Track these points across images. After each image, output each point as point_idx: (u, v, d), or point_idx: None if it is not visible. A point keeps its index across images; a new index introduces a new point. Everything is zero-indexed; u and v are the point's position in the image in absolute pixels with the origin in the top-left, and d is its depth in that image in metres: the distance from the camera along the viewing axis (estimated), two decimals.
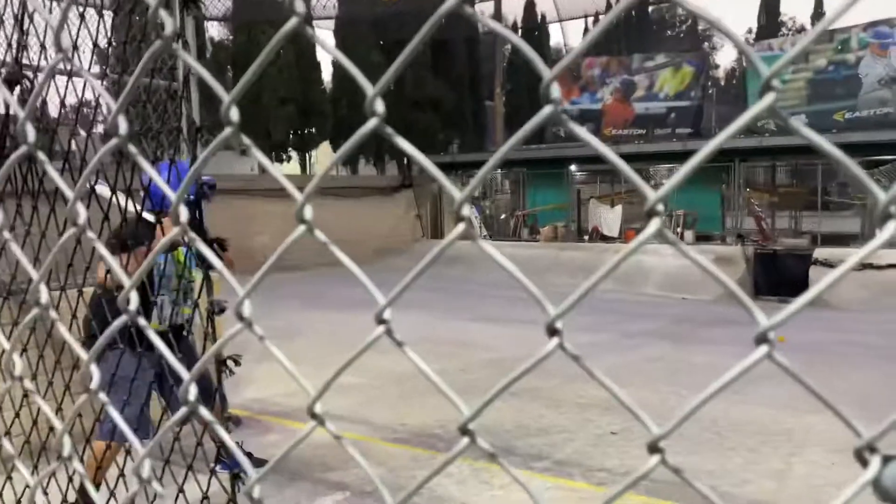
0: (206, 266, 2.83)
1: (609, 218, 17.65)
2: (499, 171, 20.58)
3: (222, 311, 2.74)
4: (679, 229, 17.00)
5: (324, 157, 25.98)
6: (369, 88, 0.59)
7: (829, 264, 12.76)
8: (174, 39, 0.62)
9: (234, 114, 0.64)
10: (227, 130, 0.63)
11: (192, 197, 3.06)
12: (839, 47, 18.21)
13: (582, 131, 0.57)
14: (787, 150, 16.76)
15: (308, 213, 0.62)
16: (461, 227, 0.59)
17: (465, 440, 0.58)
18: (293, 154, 20.65)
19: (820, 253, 13.27)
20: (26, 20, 2.80)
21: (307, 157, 21.68)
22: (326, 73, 20.78)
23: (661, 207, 0.52)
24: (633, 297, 12.41)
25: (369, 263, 14.66)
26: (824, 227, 16.00)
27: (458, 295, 11.31)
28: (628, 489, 0.52)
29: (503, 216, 20.48)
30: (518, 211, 19.60)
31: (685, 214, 17.03)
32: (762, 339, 0.49)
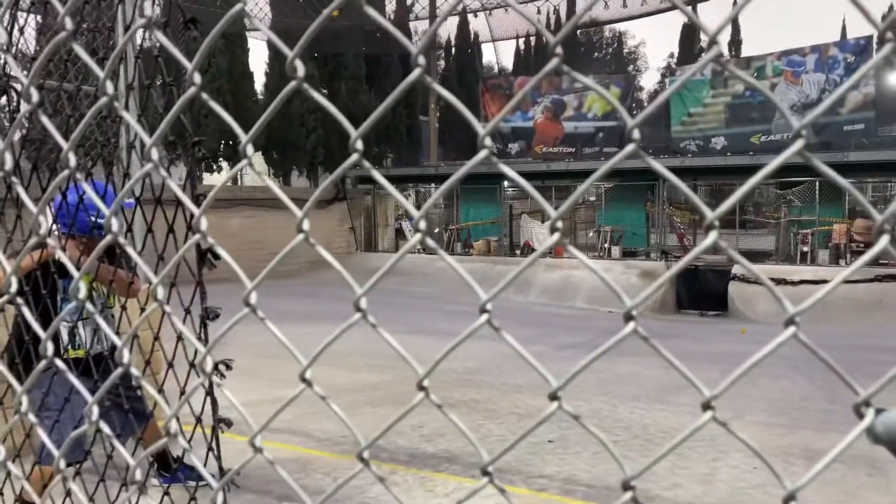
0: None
1: (540, 233, 18.00)
2: (432, 185, 20.69)
3: (216, 316, 2.64)
4: (606, 244, 17.51)
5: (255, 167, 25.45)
6: (352, 131, 0.69)
7: (747, 280, 13.39)
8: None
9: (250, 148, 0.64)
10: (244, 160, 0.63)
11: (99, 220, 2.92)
12: (755, 74, 19.25)
13: (509, 171, 0.73)
14: (708, 170, 17.58)
15: (306, 225, 0.77)
16: (418, 236, 0.71)
17: (554, 405, 0.69)
18: (224, 164, 20.18)
19: (738, 269, 13.92)
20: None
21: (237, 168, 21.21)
22: (259, 84, 20.45)
23: (559, 224, 0.65)
24: (563, 311, 12.68)
25: (303, 276, 14.43)
26: (742, 245, 16.79)
27: (393, 307, 11.28)
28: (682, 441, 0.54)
29: (436, 230, 20.57)
30: (451, 225, 19.73)
31: (612, 231, 17.56)
32: (790, 321, 0.61)
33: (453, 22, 27.80)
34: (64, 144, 0.78)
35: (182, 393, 1.81)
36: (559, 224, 0.65)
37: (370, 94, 20.61)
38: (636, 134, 0.60)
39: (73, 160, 0.79)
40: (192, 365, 2.08)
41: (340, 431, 5.06)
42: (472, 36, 28.56)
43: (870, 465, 4.31)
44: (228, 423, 1.58)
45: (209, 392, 2.93)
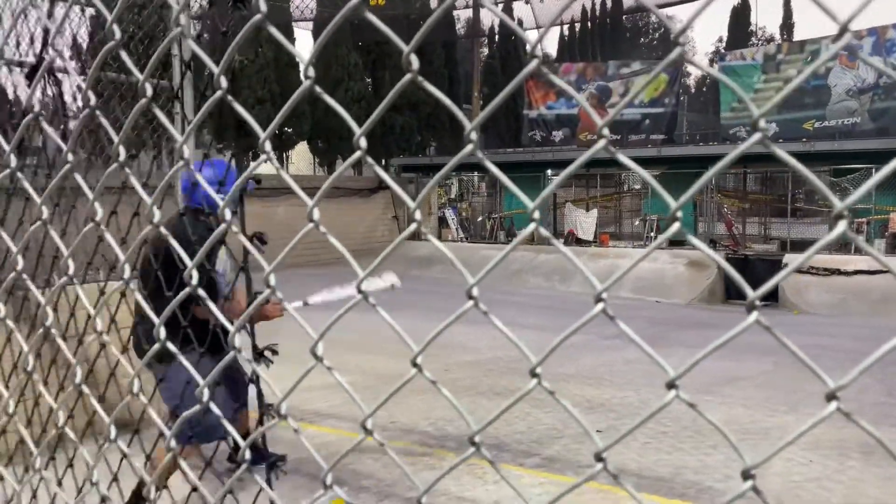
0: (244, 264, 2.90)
1: (584, 222, 17.81)
2: (475, 174, 20.65)
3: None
4: (653, 233, 17.21)
5: (298, 157, 25.82)
6: (356, 128, 0.72)
7: (798, 270, 13.00)
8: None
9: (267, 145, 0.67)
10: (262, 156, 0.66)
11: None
12: (809, 58, 18.60)
13: (492, 167, 0.71)
14: (758, 157, 17.05)
15: (316, 214, 0.78)
16: (413, 226, 0.73)
17: (534, 381, 0.75)
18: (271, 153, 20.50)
19: (789, 258, 13.54)
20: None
21: (283, 158, 21.54)
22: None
23: (536, 215, 0.64)
24: (608, 300, 12.46)
25: (346, 264, 14.57)
26: (793, 233, 16.31)
27: (436, 296, 11.34)
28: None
29: (480, 218, 20.54)
30: (494, 214, 19.68)
31: (658, 219, 17.25)
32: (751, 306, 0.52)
33: (498, 8, 27.53)
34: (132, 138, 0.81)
35: (254, 380, 1.85)
36: (536, 215, 0.68)
37: (414, 84, 20.61)
38: (763, 123, 0.59)
39: (187, 152, 0.87)
40: (260, 352, 2.14)
41: (389, 417, 5.14)
42: (517, 23, 28.27)
43: None
44: (281, 415, 1.60)
45: (254, 381, 3.00)
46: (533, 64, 0.63)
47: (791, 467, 4.32)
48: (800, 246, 15.54)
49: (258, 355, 3.11)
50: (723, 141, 19.49)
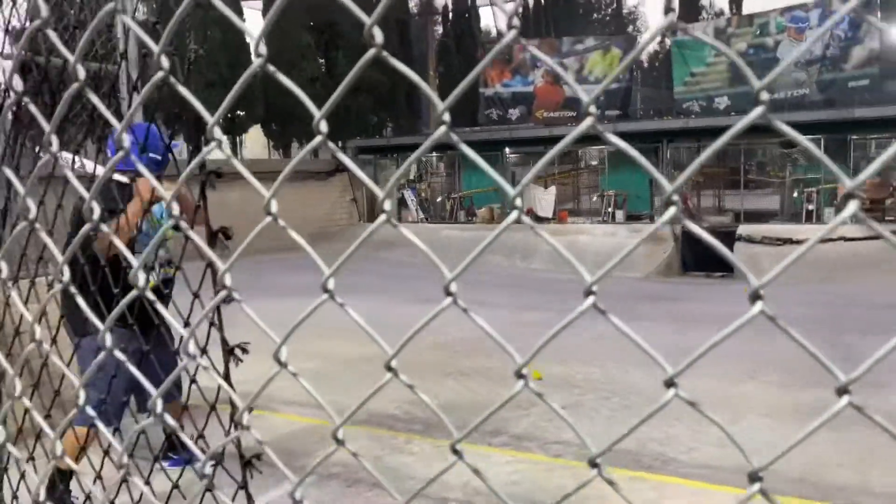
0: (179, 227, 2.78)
1: (544, 199, 17.93)
2: (433, 154, 20.57)
3: (230, 301, 2.68)
4: (610, 209, 17.44)
5: (252, 141, 25.32)
6: (315, 111, 0.69)
7: (752, 240, 13.36)
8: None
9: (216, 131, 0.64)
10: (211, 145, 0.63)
11: (160, 157, 3.31)
12: (758, 31, 18.94)
13: (467, 149, 0.71)
14: (711, 130, 17.38)
15: (274, 206, 0.75)
16: (382, 217, 0.72)
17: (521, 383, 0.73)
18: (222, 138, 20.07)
19: (743, 229, 13.87)
20: None
21: (236, 142, 21.11)
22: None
23: (518, 202, 0.70)
24: (568, 277, 12.68)
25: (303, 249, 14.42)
26: (746, 205, 16.71)
27: (399, 279, 11.31)
28: None
29: (439, 199, 20.51)
30: (454, 193, 19.67)
31: (616, 195, 17.47)
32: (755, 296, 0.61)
33: None
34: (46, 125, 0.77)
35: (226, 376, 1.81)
36: (518, 202, 0.69)
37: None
38: (764, 95, 0.60)
39: (81, 73, 0.78)
40: (230, 350, 2.08)
41: (352, 402, 5.12)
42: (469, 1, 28.10)
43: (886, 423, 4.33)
44: (245, 427, 1.56)
45: (225, 376, 2.93)
46: (511, 35, 0.61)
47: (752, 434, 4.45)
48: (753, 217, 15.92)
49: (228, 352, 3.02)
50: (677, 115, 19.77)
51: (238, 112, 19.27)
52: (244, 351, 3.12)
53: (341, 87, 0.67)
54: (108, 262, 2.10)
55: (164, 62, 0.74)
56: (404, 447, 4.40)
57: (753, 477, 0.58)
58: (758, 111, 0.53)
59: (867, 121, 15.17)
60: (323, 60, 21.04)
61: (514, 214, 0.69)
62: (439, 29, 29.98)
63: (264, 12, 20.30)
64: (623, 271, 12.50)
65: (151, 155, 3.28)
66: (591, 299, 0.62)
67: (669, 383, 0.61)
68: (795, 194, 16.28)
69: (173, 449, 3.76)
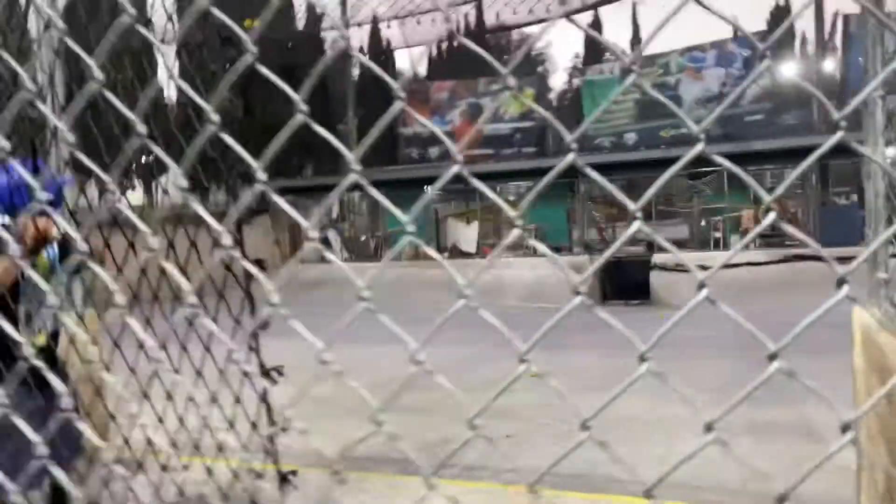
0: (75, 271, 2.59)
1: (466, 235, 18.18)
2: (356, 193, 20.55)
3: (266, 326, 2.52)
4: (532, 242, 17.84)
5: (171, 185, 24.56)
6: (253, 162, 0.77)
7: (666, 268, 13.93)
8: None
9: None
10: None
11: (51, 196, 2.96)
12: (661, 70, 20.09)
13: (480, 185, 0.71)
14: (622, 165, 18.20)
15: (156, 243, 0.72)
16: (307, 246, 0.76)
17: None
18: (136, 183, 19.43)
19: (658, 258, 14.46)
20: None
21: (153, 186, 20.44)
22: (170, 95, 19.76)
23: (520, 221, 0.68)
24: (495, 310, 12.78)
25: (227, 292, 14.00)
26: (659, 234, 17.47)
27: (329, 318, 11.12)
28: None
29: (363, 237, 20.45)
30: (377, 232, 19.66)
31: (536, 228, 17.92)
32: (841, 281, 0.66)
33: (365, 30, 27.74)
34: None
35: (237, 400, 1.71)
36: (411, 228, 0.74)
37: (286, 106, 20.26)
38: (702, 135, 0.61)
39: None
40: (245, 374, 1.99)
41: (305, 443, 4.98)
42: (385, 43, 28.57)
43: (811, 435, 4.59)
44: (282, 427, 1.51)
45: (262, 396, 2.79)
46: (398, 106, 0.63)
47: (690, 450, 4.62)
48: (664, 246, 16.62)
49: (265, 374, 2.93)
50: (591, 151, 20.59)
51: (148, 157, 18.71)
52: (280, 373, 3.03)
53: (276, 144, 0.67)
54: None
55: (97, 73, 0.71)
56: (358, 485, 4.34)
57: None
58: (699, 147, 0.58)
59: (763, 152, 16.26)
60: (241, 100, 20.79)
61: (405, 239, 0.71)
62: (357, 70, 30.28)
63: (179, 54, 19.94)
64: (549, 302, 12.77)
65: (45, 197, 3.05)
66: (578, 298, 0.65)
67: (643, 358, 0.65)
68: (703, 223, 17.17)
69: None
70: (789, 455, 4.29)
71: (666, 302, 12.68)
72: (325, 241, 19.54)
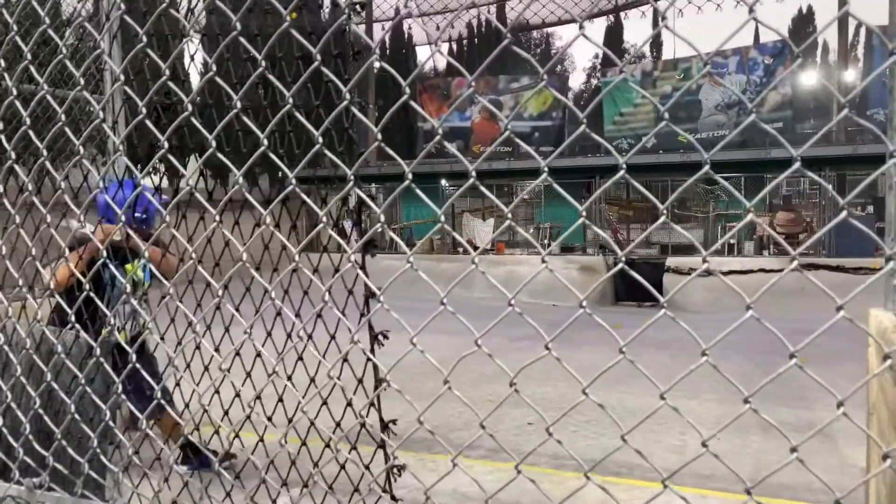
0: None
1: (482, 231, 18.20)
2: (373, 185, 20.64)
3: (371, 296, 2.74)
4: (546, 240, 17.83)
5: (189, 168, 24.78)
6: (287, 170, 0.69)
7: (680, 271, 13.89)
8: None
9: None
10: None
11: (144, 216, 3.56)
12: (681, 75, 19.97)
13: (486, 191, 0.71)
14: (639, 167, 18.12)
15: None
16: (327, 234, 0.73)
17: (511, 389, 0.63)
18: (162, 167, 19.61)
19: (671, 261, 14.42)
20: None
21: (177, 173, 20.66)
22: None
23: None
24: (508, 305, 12.78)
25: (245, 280, 14.15)
26: (673, 238, 17.39)
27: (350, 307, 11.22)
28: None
29: (380, 229, 20.52)
30: (394, 224, 19.73)
31: (551, 227, 17.91)
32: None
33: (387, 25, 27.81)
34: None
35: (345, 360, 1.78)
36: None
37: (308, 96, 20.39)
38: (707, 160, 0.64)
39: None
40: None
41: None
42: (407, 38, 28.60)
43: (820, 433, 4.63)
44: (387, 384, 1.59)
45: (370, 358, 2.91)
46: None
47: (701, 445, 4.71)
48: (679, 249, 16.58)
49: (374, 337, 3.07)
50: (608, 153, 20.51)
51: (172, 143, 18.86)
52: (385, 337, 3.19)
53: (310, 153, 0.71)
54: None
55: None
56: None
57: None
58: (705, 169, 0.60)
59: (781, 160, 16.13)
60: (262, 91, 20.88)
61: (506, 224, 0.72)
62: (377, 65, 30.28)
63: (206, 47, 20.09)
64: (561, 300, 12.79)
65: (136, 214, 3.50)
66: (580, 311, 0.68)
67: (621, 351, 0.69)
68: (718, 228, 17.07)
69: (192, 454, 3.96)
70: (799, 451, 4.36)
71: (678, 305, 12.65)
72: (342, 232, 19.61)
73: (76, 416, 1.41)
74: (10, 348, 1.81)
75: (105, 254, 2.57)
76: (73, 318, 1.48)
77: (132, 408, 1.53)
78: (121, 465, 1.45)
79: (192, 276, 1.84)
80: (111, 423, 1.43)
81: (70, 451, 1.46)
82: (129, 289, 1.62)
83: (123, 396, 1.45)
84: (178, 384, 3.36)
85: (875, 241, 14.36)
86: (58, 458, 1.45)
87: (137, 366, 1.43)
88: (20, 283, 1.61)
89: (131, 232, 1.54)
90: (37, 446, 1.50)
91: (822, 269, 12.92)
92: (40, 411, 1.48)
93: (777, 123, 19.05)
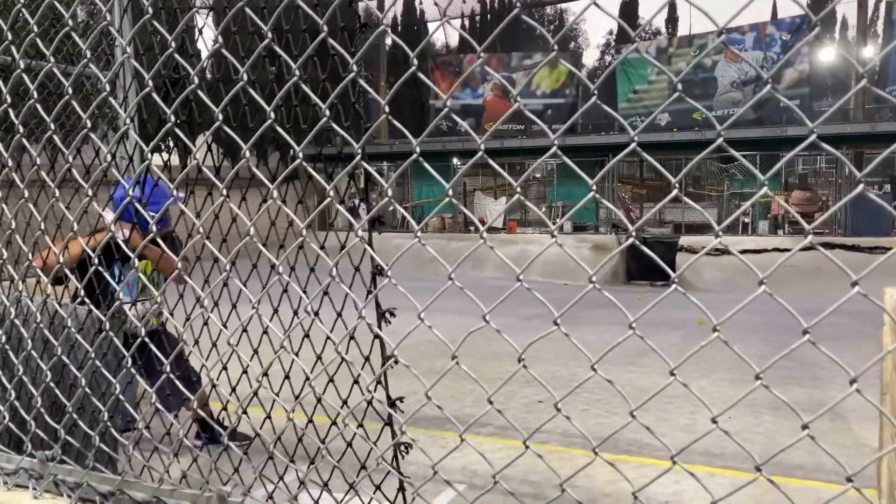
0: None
1: (493, 209, 18.16)
2: (385, 163, 20.60)
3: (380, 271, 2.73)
4: (558, 219, 17.76)
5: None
6: (294, 144, 0.69)
7: (693, 250, 13.81)
8: None
9: None
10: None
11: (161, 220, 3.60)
12: (697, 51, 19.66)
13: (497, 166, 0.70)
14: (653, 145, 17.94)
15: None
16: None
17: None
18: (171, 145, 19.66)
19: (684, 240, 14.33)
20: None
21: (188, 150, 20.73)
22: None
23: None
24: (518, 284, 12.80)
25: (251, 257, 14.23)
26: (687, 217, 17.28)
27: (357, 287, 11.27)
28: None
29: (391, 208, 20.53)
30: (405, 203, 19.72)
31: (563, 206, 17.83)
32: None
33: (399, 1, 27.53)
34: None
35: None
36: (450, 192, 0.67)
37: (318, 73, 20.31)
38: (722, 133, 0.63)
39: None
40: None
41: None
42: (419, 14, 28.32)
43: (832, 412, 4.64)
44: (396, 361, 1.60)
45: (377, 333, 2.96)
46: (411, 72, 0.65)
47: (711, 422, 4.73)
48: (692, 228, 16.47)
49: (381, 315, 3.10)
50: (621, 131, 20.32)
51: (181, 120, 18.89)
52: (392, 315, 3.20)
53: (318, 125, 0.70)
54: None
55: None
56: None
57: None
58: (719, 141, 0.59)
59: (798, 138, 15.91)
60: (272, 67, 20.81)
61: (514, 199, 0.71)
62: (389, 41, 30.11)
63: (215, 19, 20.01)
64: (572, 279, 12.77)
65: (151, 212, 3.49)
66: (590, 286, 0.68)
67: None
68: (733, 207, 16.92)
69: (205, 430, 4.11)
70: (811, 430, 4.37)
71: (690, 284, 12.60)
72: (353, 211, 19.65)
73: (87, 389, 1.42)
74: (23, 323, 1.83)
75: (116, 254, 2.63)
76: (83, 293, 1.49)
77: (163, 392, 1.53)
78: (131, 439, 1.47)
79: (200, 252, 1.84)
80: (121, 398, 1.44)
81: (81, 424, 1.48)
82: (138, 265, 1.62)
83: (142, 379, 1.46)
84: (187, 359, 3.43)
85: (892, 221, 14.21)
86: (70, 433, 1.47)
87: (158, 353, 1.45)
88: (30, 258, 1.62)
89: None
90: (49, 420, 1.52)
91: (837, 248, 12.81)
92: (52, 384, 1.49)
93: (794, 100, 18.76)
